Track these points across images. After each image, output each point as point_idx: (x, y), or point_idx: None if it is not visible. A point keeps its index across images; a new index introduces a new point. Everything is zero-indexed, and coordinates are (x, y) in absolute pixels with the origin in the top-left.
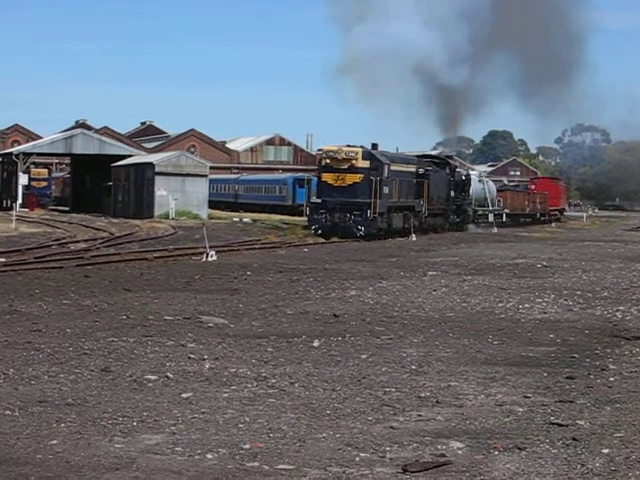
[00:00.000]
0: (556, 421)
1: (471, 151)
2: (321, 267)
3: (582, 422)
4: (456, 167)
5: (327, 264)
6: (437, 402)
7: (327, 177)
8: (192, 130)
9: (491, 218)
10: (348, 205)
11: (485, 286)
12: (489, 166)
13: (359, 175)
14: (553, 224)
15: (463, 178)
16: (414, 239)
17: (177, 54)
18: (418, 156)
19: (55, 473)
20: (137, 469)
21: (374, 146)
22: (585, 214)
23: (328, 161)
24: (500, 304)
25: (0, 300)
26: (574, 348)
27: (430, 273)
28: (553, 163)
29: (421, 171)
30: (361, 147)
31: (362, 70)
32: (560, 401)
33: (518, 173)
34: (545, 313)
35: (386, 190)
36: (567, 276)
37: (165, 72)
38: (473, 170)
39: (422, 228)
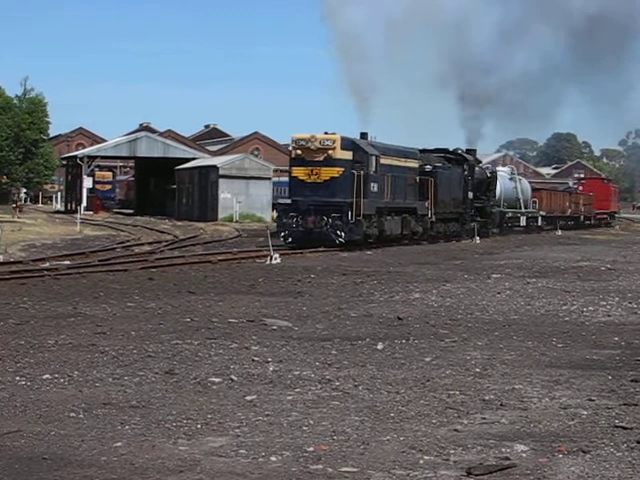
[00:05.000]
0: (621, 424)
1: (535, 153)
2: (385, 270)
3: None
4: (477, 163)
5: (391, 267)
6: (501, 405)
7: (298, 172)
8: (256, 133)
9: (523, 222)
10: (324, 206)
11: (549, 289)
12: (553, 168)
13: (337, 169)
14: (617, 227)
15: (488, 176)
16: (478, 242)
17: (242, 56)
18: (426, 150)
19: (119, 475)
20: (201, 471)
21: (363, 135)
22: None
23: (299, 152)
24: (564, 307)
25: (65, 302)
26: (639, 351)
27: (494, 276)
28: (617, 165)
29: (428, 168)
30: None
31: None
32: (625, 404)
33: (582, 175)
34: (609, 316)
35: (374, 188)
36: (631, 279)
37: (230, 75)
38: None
39: (430, 235)
